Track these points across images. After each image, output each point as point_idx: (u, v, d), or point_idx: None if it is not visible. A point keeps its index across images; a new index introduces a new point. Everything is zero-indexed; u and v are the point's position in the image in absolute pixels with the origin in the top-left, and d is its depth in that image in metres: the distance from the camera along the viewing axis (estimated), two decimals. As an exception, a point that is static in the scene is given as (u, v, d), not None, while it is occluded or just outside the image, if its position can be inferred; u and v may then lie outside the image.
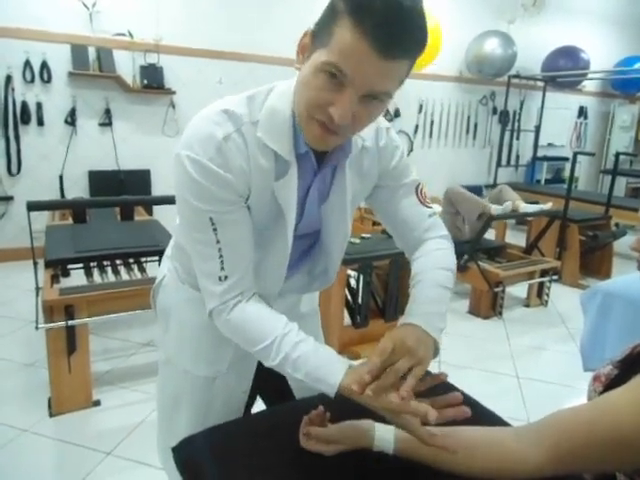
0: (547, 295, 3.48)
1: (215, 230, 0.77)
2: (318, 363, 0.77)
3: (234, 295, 0.80)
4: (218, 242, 0.78)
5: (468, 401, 1.01)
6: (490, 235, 4.12)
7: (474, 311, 3.26)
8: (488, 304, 3.21)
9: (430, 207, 0.97)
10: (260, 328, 0.80)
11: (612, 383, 0.67)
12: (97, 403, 2.05)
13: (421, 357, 0.74)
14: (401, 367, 0.72)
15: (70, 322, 1.88)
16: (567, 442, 0.62)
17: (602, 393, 0.67)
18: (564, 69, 5.73)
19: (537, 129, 6.19)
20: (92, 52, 3.79)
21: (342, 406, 0.80)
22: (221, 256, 0.79)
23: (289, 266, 0.91)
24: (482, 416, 0.95)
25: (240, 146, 0.76)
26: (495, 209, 3.31)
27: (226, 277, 0.79)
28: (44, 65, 3.68)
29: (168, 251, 1.08)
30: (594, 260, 4.12)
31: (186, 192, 0.77)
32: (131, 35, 3.89)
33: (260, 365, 1.00)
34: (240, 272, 0.81)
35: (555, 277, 3.48)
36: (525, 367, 2.59)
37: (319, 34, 0.69)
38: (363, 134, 0.87)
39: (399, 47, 0.65)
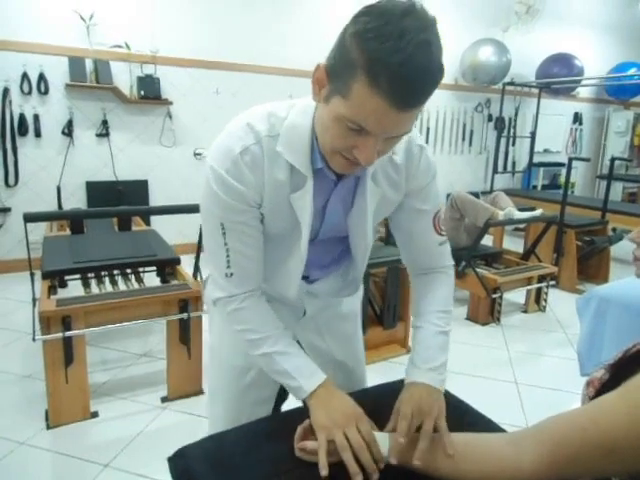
0: (545, 301, 3.48)
1: (224, 234, 0.86)
2: (306, 362, 0.89)
3: (243, 291, 0.90)
4: (226, 244, 0.87)
5: (465, 408, 1.02)
6: (487, 241, 4.13)
7: (472, 317, 3.26)
8: (486, 310, 3.21)
9: (443, 235, 1.00)
10: (266, 320, 0.91)
11: (604, 388, 0.67)
12: (95, 414, 2.04)
13: (438, 414, 0.83)
14: (429, 429, 0.80)
15: (67, 333, 1.88)
16: (561, 448, 0.63)
17: (594, 398, 0.67)
18: (558, 76, 5.77)
19: (533, 135, 6.22)
20: (89, 64, 3.82)
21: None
22: (228, 256, 0.87)
23: (321, 267, 1.01)
24: (478, 423, 0.95)
25: (257, 158, 0.82)
26: (501, 215, 3.33)
27: (231, 274, 0.88)
28: (41, 77, 3.70)
29: None
30: (591, 265, 4.12)
31: (206, 196, 0.86)
32: (128, 47, 3.92)
33: None
34: (245, 272, 0.89)
35: (553, 282, 3.48)
36: (524, 373, 2.58)
37: (335, 77, 0.70)
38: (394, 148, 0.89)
39: (416, 99, 0.68)
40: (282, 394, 1.13)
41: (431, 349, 0.95)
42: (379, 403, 0.87)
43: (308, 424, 0.83)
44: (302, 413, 0.86)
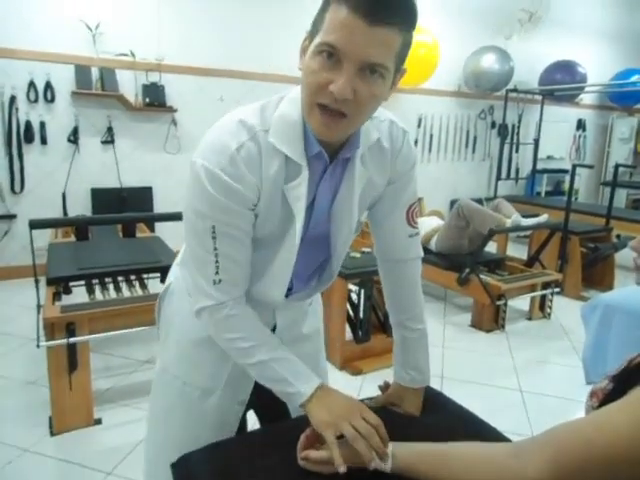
0: (550, 308, 3.46)
1: (214, 238, 0.81)
2: (302, 367, 0.87)
3: (231, 298, 0.86)
4: (215, 249, 0.82)
5: (468, 417, 1.01)
6: (491, 248, 4.12)
7: (476, 325, 3.25)
8: (490, 317, 3.20)
9: (415, 227, 1.01)
10: (257, 326, 0.88)
11: (608, 398, 0.66)
12: (98, 421, 2.04)
13: (414, 410, 1.02)
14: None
15: (71, 339, 1.88)
16: (565, 458, 0.62)
17: (598, 408, 0.67)
18: (561, 83, 5.78)
19: (536, 142, 6.22)
20: (95, 72, 3.85)
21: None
22: (217, 262, 0.83)
23: (304, 280, 0.96)
24: (482, 432, 0.95)
25: (253, 154, 0.79)
26: (509, 222, 3.35)
27: (220, 280, 0.84)
28: (48, 85, 3.74)
29: (178, 258, 1.09)
30: (596, 272, 4.10)
31: (195, 198, 0.81)
32: (133, 55, 3.95)
33: (257, 384, 1.00)
34: (233, 279, 0.85)
35: (557, 290, 3.47)
36: (529, 381, 2.57)
37: (313, 29, 0.74)
38: (378, 128, 0.89)
39: (384, 12, 0.68)
40: (244, 419, 1.08)
41: (420, 353, 1.05)
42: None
43: (311, 432, 0.83)
44: (305, 422, 0.85)
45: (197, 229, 0.82)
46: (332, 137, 0.79)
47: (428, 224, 3.64)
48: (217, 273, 0.83)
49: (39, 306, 2.04)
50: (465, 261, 3.30)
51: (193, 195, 0.81)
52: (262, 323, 0.90)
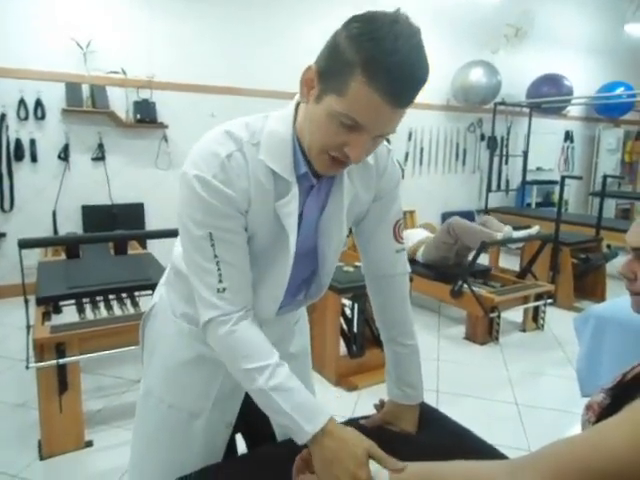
0: (543, 319, 3.47)
1: (213, 245, 0.81)
2: (307, 399, 0.81)
3: (238, 309, 0.83)
4: (216, 256, 0.81)
5: (464, 434, 1.00)
6: (483, 260, 4.13)
7: (471, 337, 3.24)
8: (484, 330, 3.20)
9: (401, 243, 1.03)
10: (262, 347, 0.83)
11: (605, 412, 0.66)
12: (89, 444, 2.00)
13: (411, 427, 1.03)
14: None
15: (61, 360, 1.85)
16: (563, 477, 0.61)
17: (595, 423, 0.66)
18: (548, 95, 5.87)
19: (525, 154, 6.29)
20: (86, 89, 3.86)
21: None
22: (219, 269, 0.82)
23: (290, 294, 0.94)
24: (478, 449, 0.94)
25: (241, 164, 0.81)
26: (500, 235, 3.38)
27: (224, 289, 0.82)
28: (38, 103, 3.74)
29: (163, 279, 1.07)
30: (588, 283, 4.13)
31: (190, 207, 0.81)
32: (124, 72, 3.97)
33: (244, 406, 0.99)
34: (237, 286, 0.83)
35: (550, 301, 3.48)
36: (524, 394, 2.56)
37: (328, 77, 0.74)
38: None
39: (409, 98, 0.73)
40: (233, 441, 1.07)
41: (414, 370, 1.05)
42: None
43: (306, 454, 0.82)
44: (296, 444, 0.84)
45: (194, 238, 0.82)
46: (333, 175, 0.86)
47: (414, 236, 3.67)
48: (220, 281, 0.81)
49: (29, 326, 2.00)
50: (453, 272, 3.31)
51: (187, 205, 0.81)
52: (268, 342, 0.85)
